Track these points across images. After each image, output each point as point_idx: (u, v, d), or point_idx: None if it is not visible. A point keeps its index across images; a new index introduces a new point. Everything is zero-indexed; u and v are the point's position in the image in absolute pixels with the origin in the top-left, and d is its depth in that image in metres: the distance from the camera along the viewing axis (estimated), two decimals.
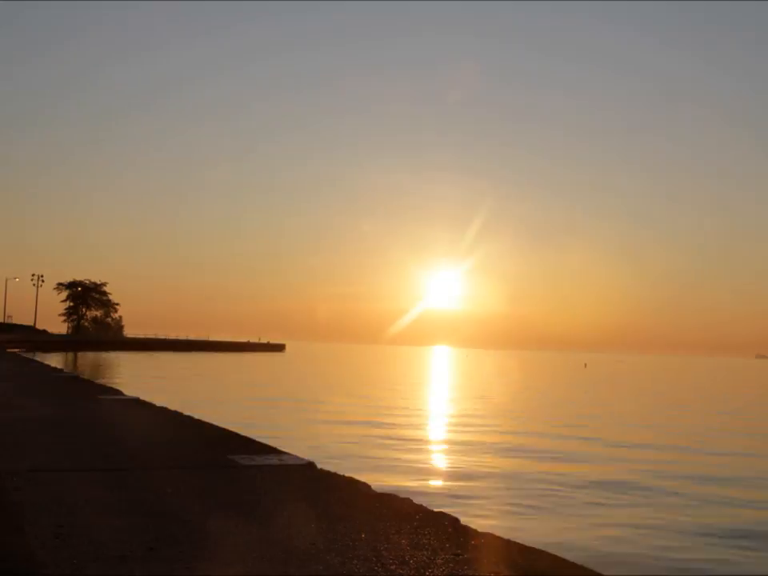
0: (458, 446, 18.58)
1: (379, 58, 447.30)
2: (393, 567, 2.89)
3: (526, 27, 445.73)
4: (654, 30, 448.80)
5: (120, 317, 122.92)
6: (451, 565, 2.94)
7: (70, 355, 66.92)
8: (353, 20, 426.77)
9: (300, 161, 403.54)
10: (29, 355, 43.18)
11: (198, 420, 8.17)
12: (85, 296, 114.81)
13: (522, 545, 3.36)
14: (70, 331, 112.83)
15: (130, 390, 14.89)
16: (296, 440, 16.29)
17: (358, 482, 4.68)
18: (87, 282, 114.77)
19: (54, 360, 46.78)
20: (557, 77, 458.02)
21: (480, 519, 9.49)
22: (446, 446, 18.56)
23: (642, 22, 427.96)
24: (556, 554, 3.31)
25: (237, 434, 6.87)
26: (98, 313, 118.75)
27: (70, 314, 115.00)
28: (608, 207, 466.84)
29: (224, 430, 7.32)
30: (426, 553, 3.08)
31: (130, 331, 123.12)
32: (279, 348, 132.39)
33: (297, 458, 5.48)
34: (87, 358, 63.57)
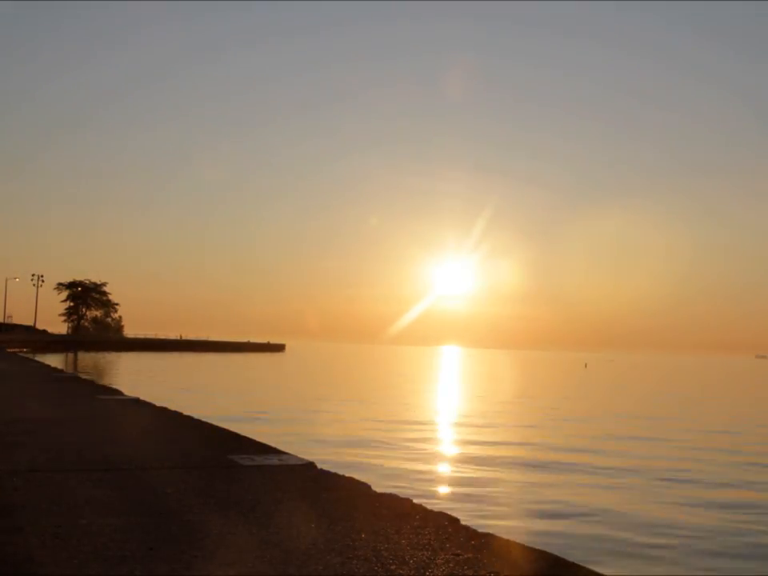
0: (457, 447, 18.59)
1: (383, 56, 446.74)
2: (393, 567, 2.88)
3: (528, 22, 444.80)
4: (665, 14, 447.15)
5: (120, 317, 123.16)
6: (451, 565, 2.94)
7: (70, 355, 66.94)
8: (356, 18, 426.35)
9: (302, 160, 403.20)
10: (29, 355, 43.18)
11: (198, 420, 8.17)
12: (85, 296, 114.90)
13: (522, 545, 3.36)
14: (69, 331, 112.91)
15: (129, 390, 14.88)
16: (296, 440, 16.29)
17: (358, 482, 4.68)
18: (87, 282, 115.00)
19: (54, 360, 46.76)
20: (561, 65, 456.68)
21: (480, 519, 9.49)
22: (445, 447, 18.56)
23: (652, 8, 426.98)
24: (556, 554, 3.31)
25: (237, 434, 6.86)
26: (98, 313, 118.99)
27: (70, 314, 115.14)
28: (609, 205, 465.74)
29: (224, 429, 7.31)
30: (425, 553, 3.08)
31: (129, 331, 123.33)
32: (279, 348, 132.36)
33: (297, 457, 5.47)
34: (87, 358, 63.57)
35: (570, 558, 3.21)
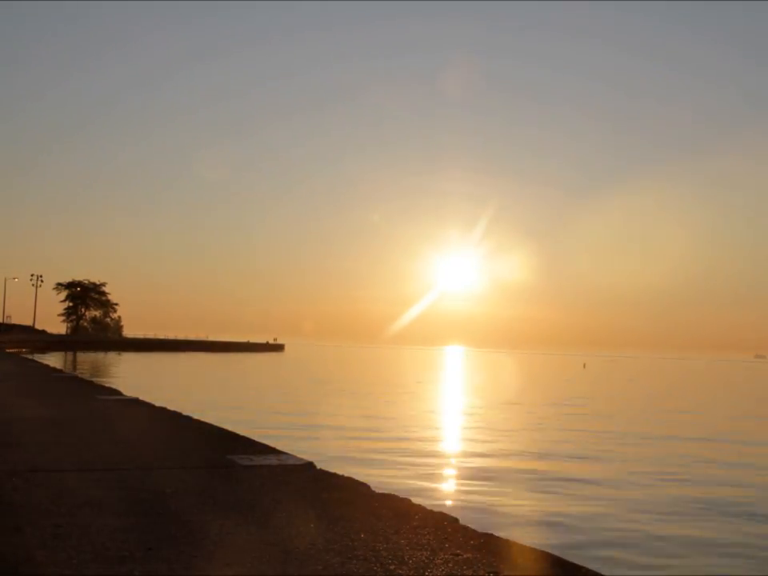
0: (457, 447, 18.60)
1: (385, 56, 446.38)
2: (392, 567, 2.88)
3: (529, 20, 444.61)
4: (665, 16, 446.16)
5: (119, 317, 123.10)
6: (450, 565, 2.94)
7: (69, 355, 66.89)
8: (358, 18, 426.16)
9: (303, 160, 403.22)
10: (28, 355, 43.16)
11: (197, 420, 8.17)
12: (84, 296, 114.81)
13: (521, 545, 3.36)
14: (69, 331, 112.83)
15: (129, 390, 14.88)
16: (295, 440, 16.29)
17: (357, 482, 4.68)
18: (86, 282, 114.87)
19: (53, 360, 46.74)
20: (562, 62, 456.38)
21: (479, 519, 9.49)
22: (445, 447, 18.56)
23: (648, 11, 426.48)
24: (556, 554, 3.31)
25: (236, 434, 6.87)
26: (97, 313, 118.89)
27: (69, 314, 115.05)
28: (611, 201, 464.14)
29: (223, 430, 7.32)
30: (425, 553, 3.08)
31: (129, 331, 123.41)
32: (278, 348, 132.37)
33: (296, 458, 5.47)
34: (86, 358, 63.54)
35: (570, 558, 3.22)
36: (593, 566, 3.31)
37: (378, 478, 11.86)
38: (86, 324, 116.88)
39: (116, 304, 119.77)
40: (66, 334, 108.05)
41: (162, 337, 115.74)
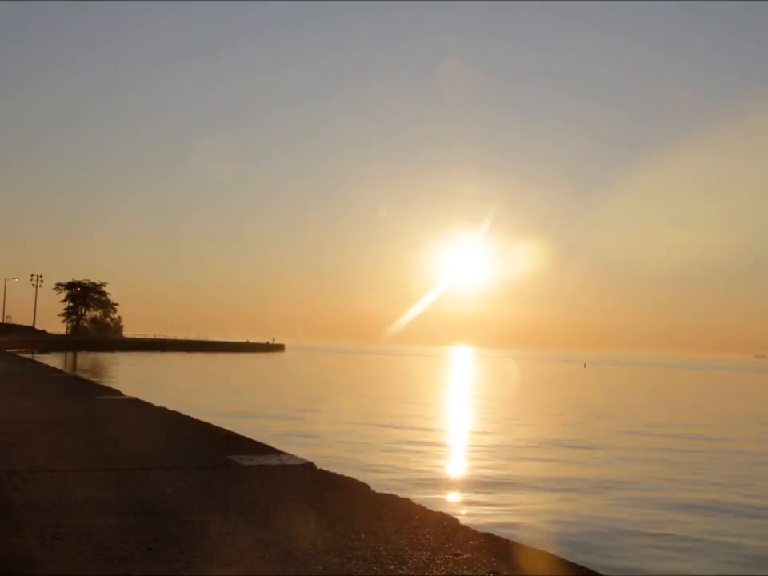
0: (457, 448, 18.60)
1: (386, 60, 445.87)
2: (392, 567, 2.88)
3: (529, 21, 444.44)
4: (656, 29, 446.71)
5: (119, 317, 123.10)
6: (450, 565, 2.94)
7: (69, 355, 66.89)
8: (364, 21, 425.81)
9: (305, 159, 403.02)
10: (28, 355, 43.15)
11: (198, 420, 8.17)
12: (84, 296, 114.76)
13: (521, 545, 3.36)
14: (69, 331, 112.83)
15: (128, 390, 14.87)
16: (295, 440, 16.29)
17: (357, 482, 4.68)
18: (86, 282, 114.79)
19: (53, 360, 46.71)
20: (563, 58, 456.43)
21: (479, 519, 9.49)
22: (445, 448, 18.56)
23: (645, 22, 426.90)
24: (556, 554, 3.31)
25: (236, 434, 6.86)
26: (97, 313, 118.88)
27: (69, 314, 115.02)
28: (607, 204, 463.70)
29: (223, 430, 7.31)
30: (425, 553, 3.08)
31: (129, 331, 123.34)
32: (278, 348, 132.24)
33: (296, 458, 5.47)
34: (86, 358, 63.53)
35: (570, 558, 3.22)
36: (592, 566, 3.31)
37: (379, 479, 11.86)
38: (86, 324, 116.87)
39: (116, 304, 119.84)
40: (66, 334, 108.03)
41: (162, 337, 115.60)
